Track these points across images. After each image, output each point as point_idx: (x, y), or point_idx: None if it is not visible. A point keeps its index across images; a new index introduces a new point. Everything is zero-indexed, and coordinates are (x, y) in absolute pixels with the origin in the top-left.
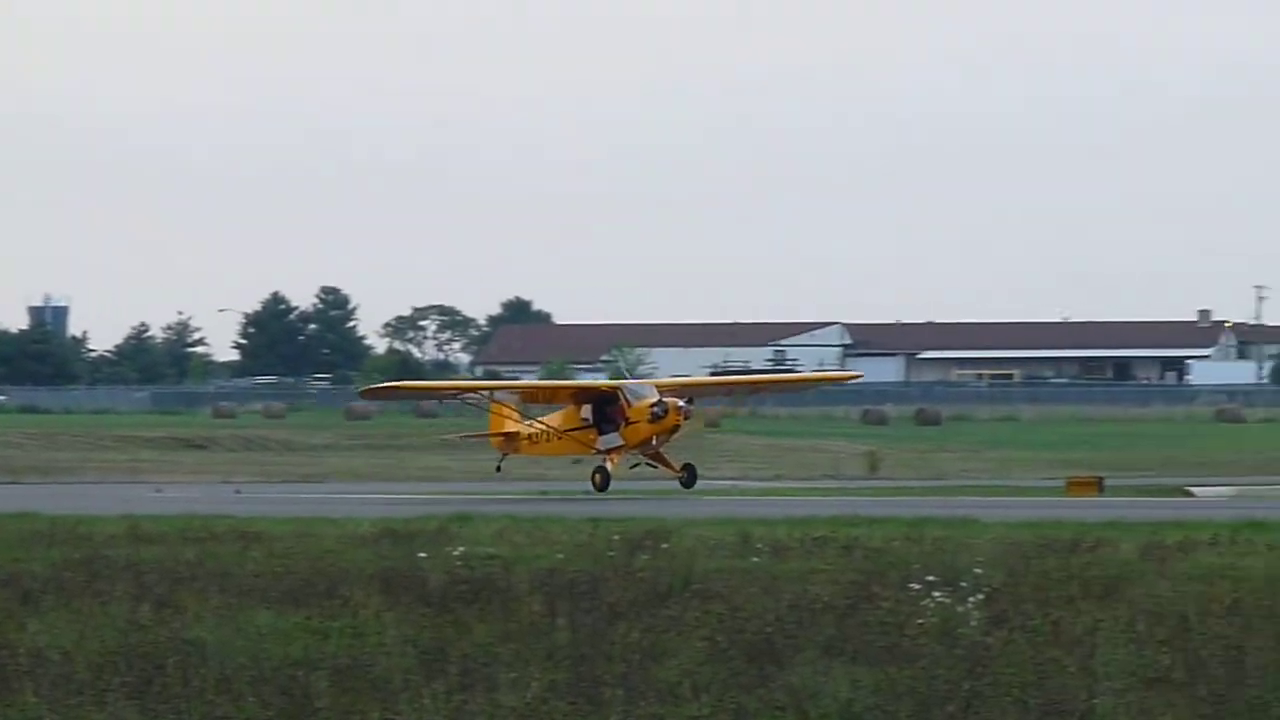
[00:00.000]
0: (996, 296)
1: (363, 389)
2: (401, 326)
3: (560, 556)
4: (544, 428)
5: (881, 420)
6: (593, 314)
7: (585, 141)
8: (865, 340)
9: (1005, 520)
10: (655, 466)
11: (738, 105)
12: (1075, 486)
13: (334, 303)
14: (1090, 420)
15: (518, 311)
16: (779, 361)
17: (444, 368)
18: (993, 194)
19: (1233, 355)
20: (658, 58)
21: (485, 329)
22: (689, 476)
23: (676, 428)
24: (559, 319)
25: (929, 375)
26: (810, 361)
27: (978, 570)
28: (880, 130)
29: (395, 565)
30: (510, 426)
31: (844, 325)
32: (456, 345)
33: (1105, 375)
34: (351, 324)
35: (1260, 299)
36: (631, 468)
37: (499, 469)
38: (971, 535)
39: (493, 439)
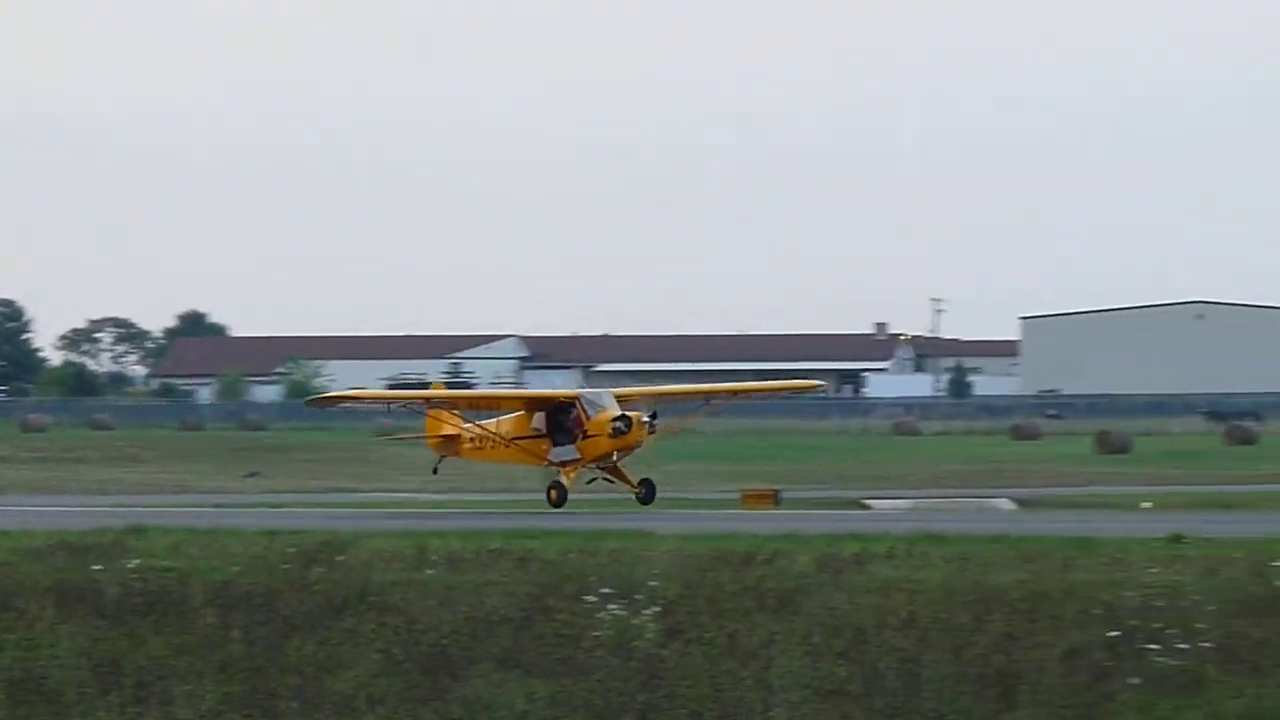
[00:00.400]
0: (675, 310)
1: (309, 399)
2: (77, 339)
3: (235, 569)
4: (489, 433)
5: None
6: (270, 326)
7: (261, 151)
8: (542, 353)
9: (681, 533)
10: (612, 481)
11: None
12: (751, 499)
13: (9, 315)
14: (767, 433)
15: (193, 324)
16: (455, 374)
17: (120, 380)
18: (675, 210)
19: (910, 368)
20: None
21: (161, 341)
22: (647, 493)
23: (639, 443)
24: (235, 331)
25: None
26: (487, 374)
27: (653, 583)
28: (559, 145)
29: (70, 578)
30: (449, 429)
31: (520, 338)
32: (133, 358)
33: None
34: (26, 336)
35: (937, 312)
36: (588, 483)
37: (436, 471)
38: (647, 548)
39: (429, 440)
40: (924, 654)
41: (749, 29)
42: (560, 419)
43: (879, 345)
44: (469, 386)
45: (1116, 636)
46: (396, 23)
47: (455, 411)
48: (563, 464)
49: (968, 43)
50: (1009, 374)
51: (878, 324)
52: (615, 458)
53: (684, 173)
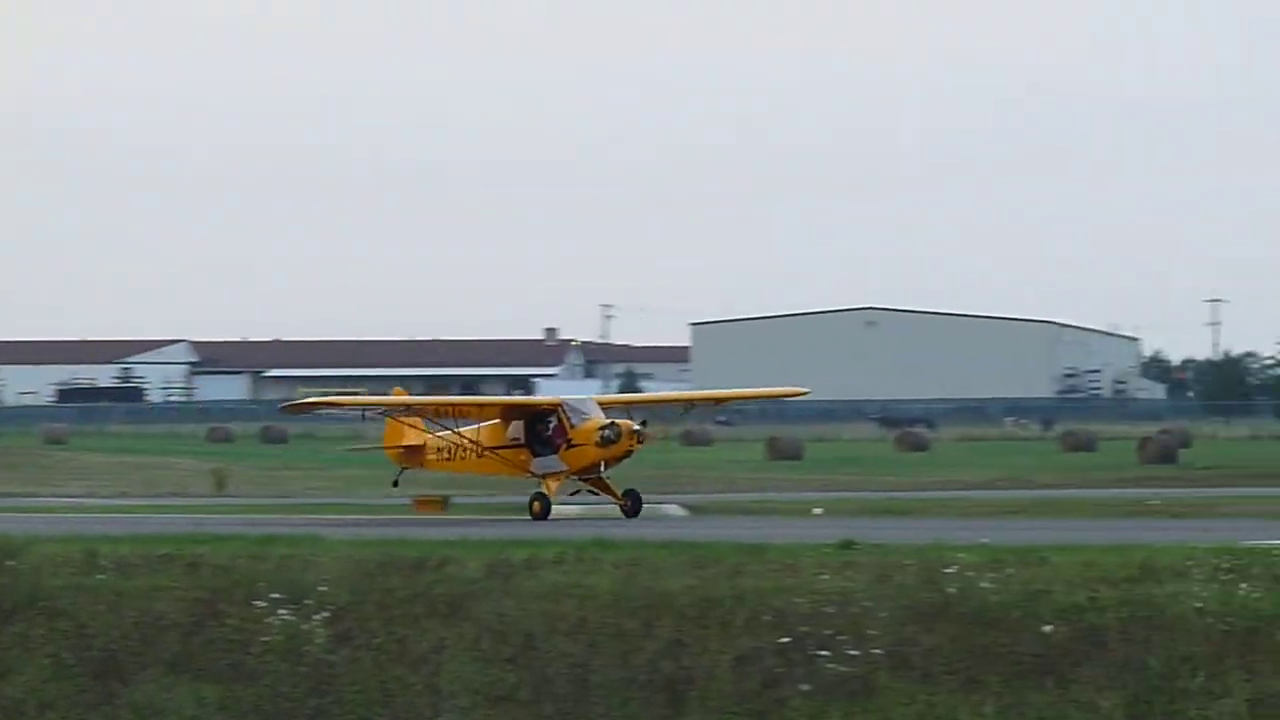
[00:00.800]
0: (344, 315)
1: (283, 405)
2: None
3: None
4: (459, 442)
5: (228, 438)
6: None
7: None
8: (212, 358)
9: (351, 539)
10: (596, 493)
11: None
12: (422, 504)
13: None
14: None
15: None
16: (125, 379)
17: None
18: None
19: (580, 374)
20: None
21: None
22: (632, 505)
23: (629, 453)
24: None
25: (275, 393)
26: (157, 379)
27: (323, 588)
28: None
29: None
30: (411, 438)
31: (190, 343)
32: None
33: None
34: None
35: (607, 318)
36: (571, 494)
37: (396, 484)
38: (317, 553)
39: (389, 451)
40: (593, 659)
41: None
42: (540, 427)
43: (549, 351)
44: (141, 392)
45: (787, 643)
46: None
47: (421, 419)
48: (545, 475)
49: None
50: (680, 380)
51: (548, 330)
52: (603, 468)
53: (340, 175)
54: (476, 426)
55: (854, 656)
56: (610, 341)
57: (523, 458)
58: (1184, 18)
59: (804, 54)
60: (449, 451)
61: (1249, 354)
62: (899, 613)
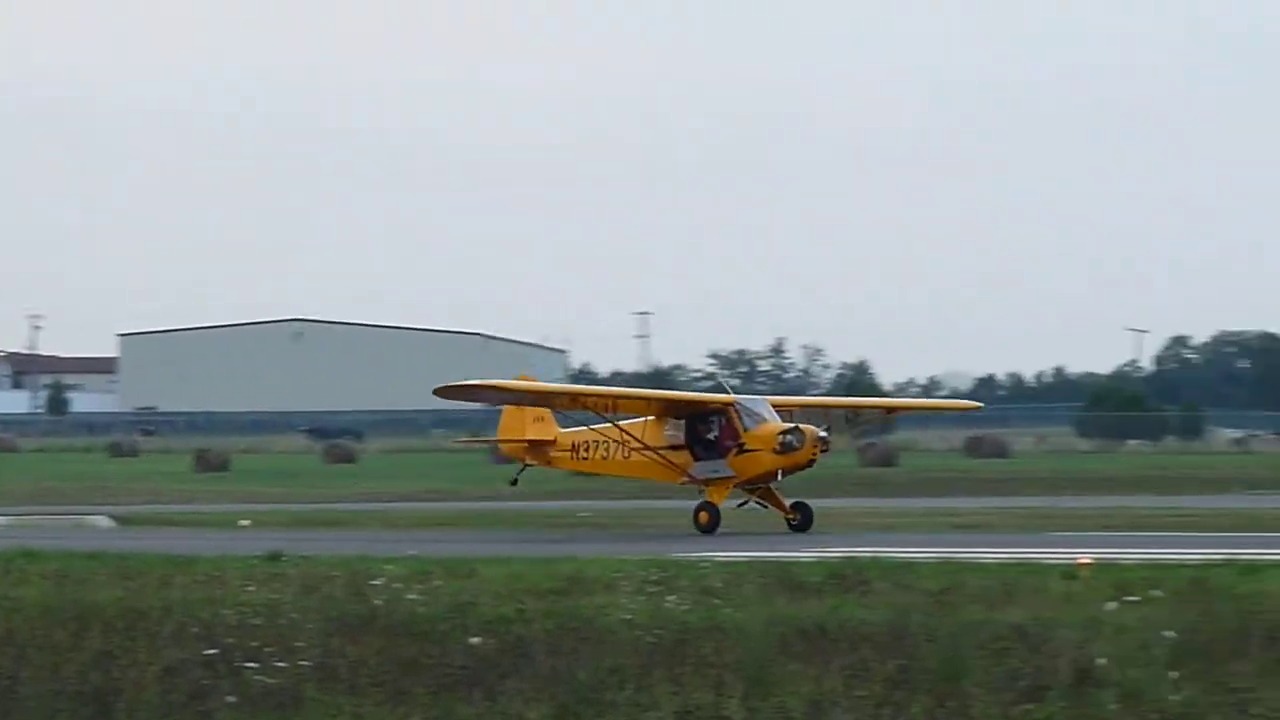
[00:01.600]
0: None
1: (438, 389)
2: None
3: None
4: (607, 439)
5: None
6: None
7: None
8: None
9: None
10: (765, 507)
11: None
12: None
13: None
14: None
15: None
16: None
17: None
18: None
19: (7, 385)
20: None
21: None
22: (803, 518)
23: (811, 463)
24: None
25: None
26: None
27: None
28: None
29: None
30: (535, 431)
31: None
32: None
33: None
34: None
35: (35, 329)
36: (738, 506)
37: (515, 482)
38: None
39: (505, 445)
40: (22, 671)
41: None
42: (701, 427)
43: None
44: None
45: (214, 654)
46: None
47: (549, 411)
48: (708, 482)
49: None
50: (108, 391)
51: None
52: (779, 477)
53: None
54: (629, 422)
55: (281, 669)
56: (38, 352)
57: (681, 460)
58: None
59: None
60: (588, 449)
61: (677, 366)
62: (326, 625)
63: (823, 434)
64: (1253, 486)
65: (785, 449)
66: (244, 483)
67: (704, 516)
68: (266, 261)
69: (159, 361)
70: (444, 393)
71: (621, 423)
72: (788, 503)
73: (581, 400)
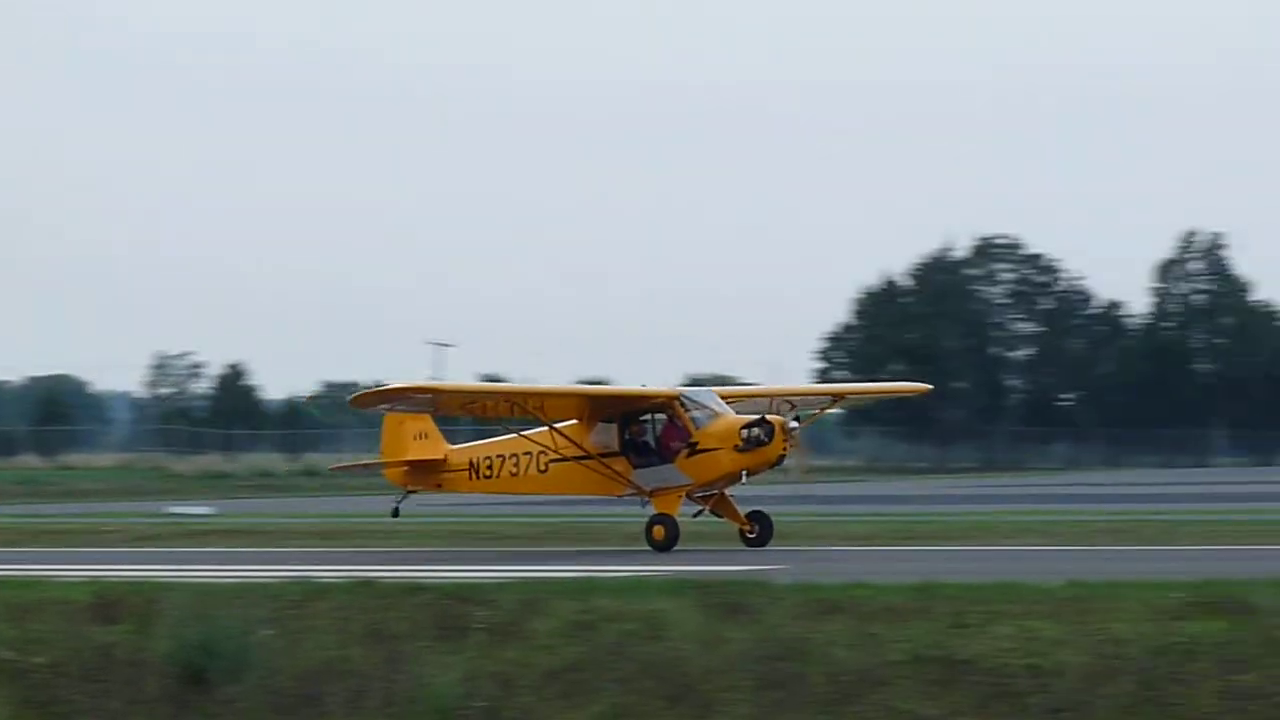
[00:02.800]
0: None
1: (353, 396)
2: None
3: None
4: (511, 452)
5: None
6: None
7: None
8: None
9: None
10: (720, 516)
11: None
12: None
13: None
14: None
15: None
16: None
17: None
18: None
19: None
20: None
21: None
22: (761, 530)
23: (781, 459)
24: None
25: None
26: None
27: None
28: None
29: None
30: (418, 450)
31: None
32: None
33: None
34: None
35: None
36: (694, 517)
37: (396, 513)
38: None
39: (386, 470)
40: None
41: None
42: (634, 428)
43: None
44: None
45: None
46: None
47: (431, 423)
48: (655, 492)
49: None
50: None
51: None
52: (743, 479)
53: None
54: (538, 431)
55: None
56: None
57: (617, 469)
58: None
59: None
60: (491, 466)
61: None
62: None
63: (793, 424)
64: None
65: (751, 445)
66: None
67: (659, 531)
68: None
69: None
70: (360, 401)
71: (526, 432)
72: (742, 511)
73: (516, 402)
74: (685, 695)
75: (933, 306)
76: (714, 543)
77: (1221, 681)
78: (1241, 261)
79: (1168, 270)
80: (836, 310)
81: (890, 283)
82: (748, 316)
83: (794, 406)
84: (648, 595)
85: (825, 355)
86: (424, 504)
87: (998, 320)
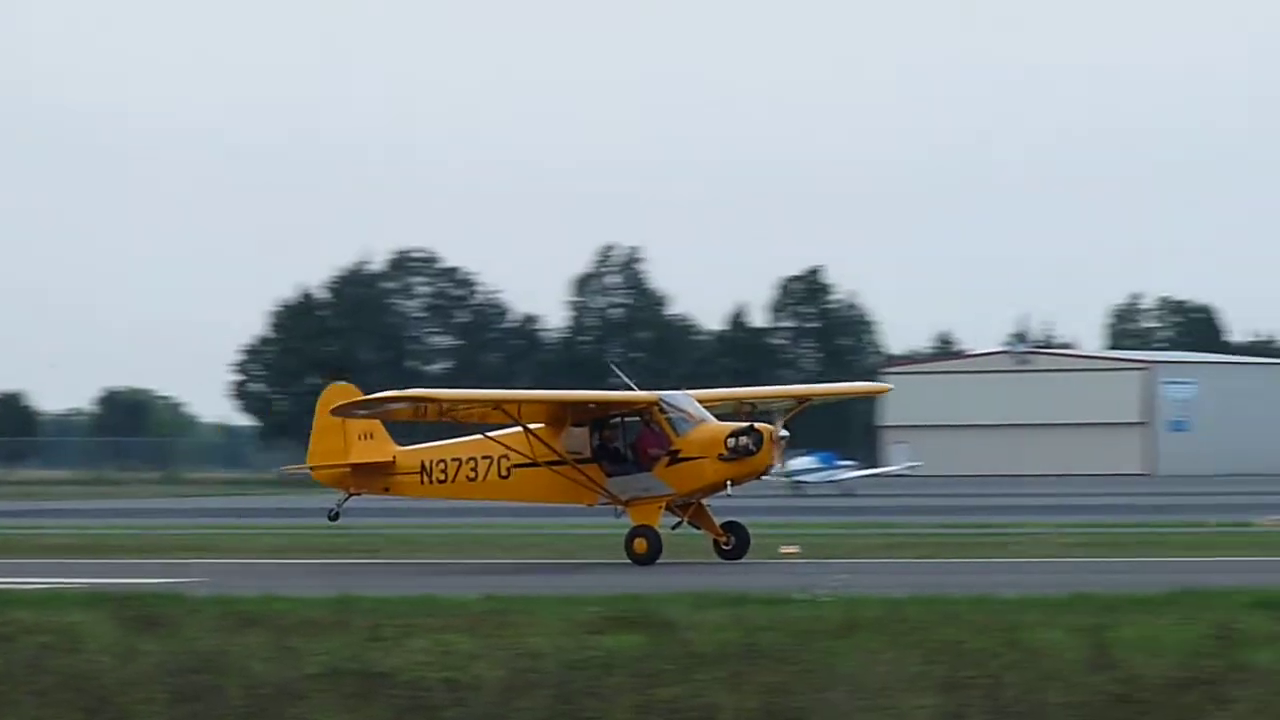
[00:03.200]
0: None
1: (338, 407)
2: None
3: None
4: (469, 455)
5: None
6: None
7: None
8: None
9: None
10: (698, 528)
11: None
12: None
13: None
14: None
15: None
16: None
17: None
18: None
19: None
20: None
21: None
22: (737, 541)
23: (767, 470)
24: None
25: None
26: None
27: None
28: None
29: None
30: (362, 452)
31: None
32: None
33: None
34: None
35: None
36: (672, 529)
37: (335, 516)
38: None
39: (319, 473)
40: None
41: None
42: (608, 433)
43: None
44: None
45: None
46: None
47: (380, 424)
48: (633, 501)
49: None
50: None
51: None
52: (728, 490)
53: None
54: (503, 433)
55: None
56: None
57: (589, 476)
58: None
59: None
60: (445, 469)
61: None
62: None
63: (784, 433)
64: None
65: (738, 454)
66: None
67: (641, 545)
68: None
69: None
70: (343, 411)
71: (487, 434)
72: (717, 521)
73: (500, 406)
74: (101, 708)
75: (350, 320)
76: (690, 556)
77: (639, 695)
78: (657, 276)
79: (585, 284)
80: (254, 324)
81: (307, 296)
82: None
83: (754, 410)
84: (65, 607)
85: (242, 368)
86: None
87: (415, 333)
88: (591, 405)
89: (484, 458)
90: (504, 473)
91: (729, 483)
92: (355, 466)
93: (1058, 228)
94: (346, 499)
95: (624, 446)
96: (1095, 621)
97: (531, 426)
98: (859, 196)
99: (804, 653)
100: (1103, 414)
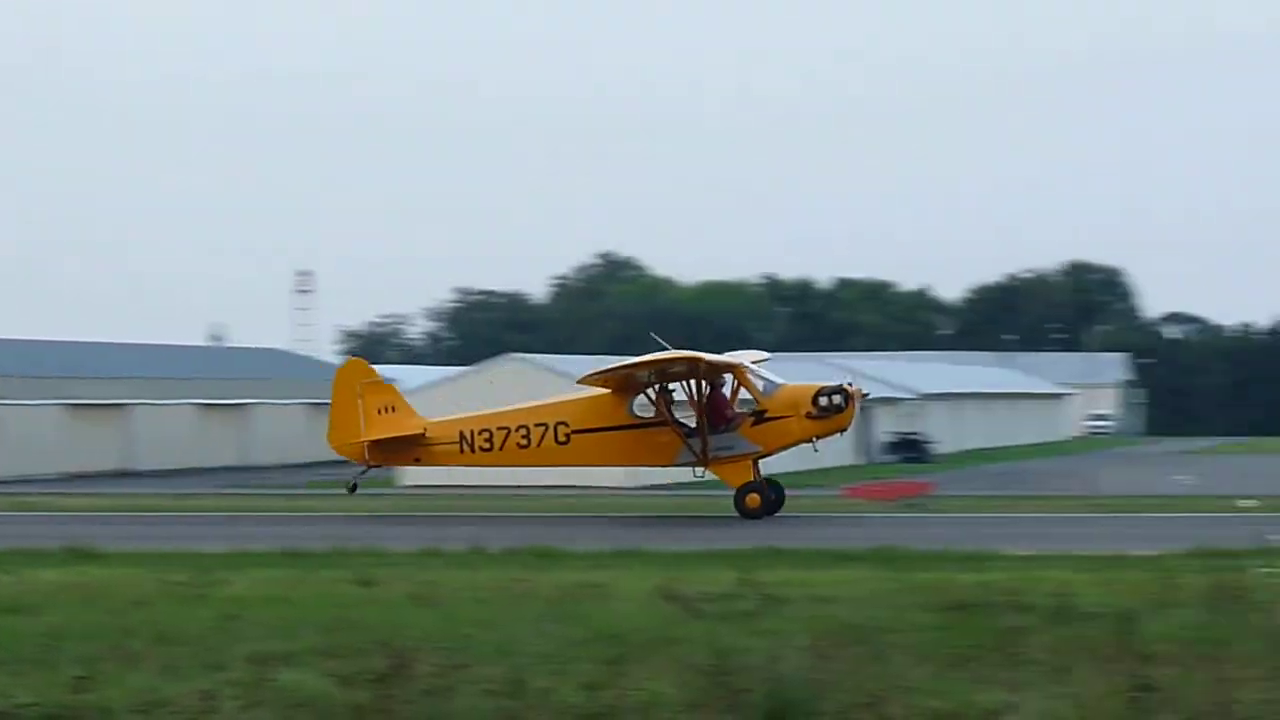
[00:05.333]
0: None
1: (583, 378)
2: None
3: None
4: (521, 424)
5: None
6: None
7: None
8: None
9: None
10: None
11: None
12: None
13: None
14: None
15: None
16: None
17: None
18: None
19: None
20: None
21: None
22: (776, 497)
23: (845, 429)
24: None
25: None
26: None
27: None
28: None
29: None
30: (382, 427)
31: None
32: None
33: None
34: None
35: None
36: (698, 476)
37: (354, 488)
38: None
39: (342, 446)
40: None
41: None
42: (697, 396)
43: None
44: None
45: None
46: None
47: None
48: (716, 460)
49: None
50: None
51: None
52: (815, 446)
53: None
54: (561, 400)
55: None
56: None
57: (664, 439)
58: None
59: None
60: (490, 438)
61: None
62: None
63: (866, 392)
64: None
65: (829, 412)
66: None
67: (754, 500)
68: None
69: None
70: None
71: (535, 403)
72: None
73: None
74: None
75: None
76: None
77: None
78: None
79: None
80: None
81: None
82: None
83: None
84: None
85: None
86: None
87: None
88: (678, 368)
89: (538, 425)
90: (562, 439)
91: (815, 439)
92: (377, 442)
93: None
94: (365, 471)
95: (707, 408)
96: None
97: (571, 397)
98: None
99: None
100: None
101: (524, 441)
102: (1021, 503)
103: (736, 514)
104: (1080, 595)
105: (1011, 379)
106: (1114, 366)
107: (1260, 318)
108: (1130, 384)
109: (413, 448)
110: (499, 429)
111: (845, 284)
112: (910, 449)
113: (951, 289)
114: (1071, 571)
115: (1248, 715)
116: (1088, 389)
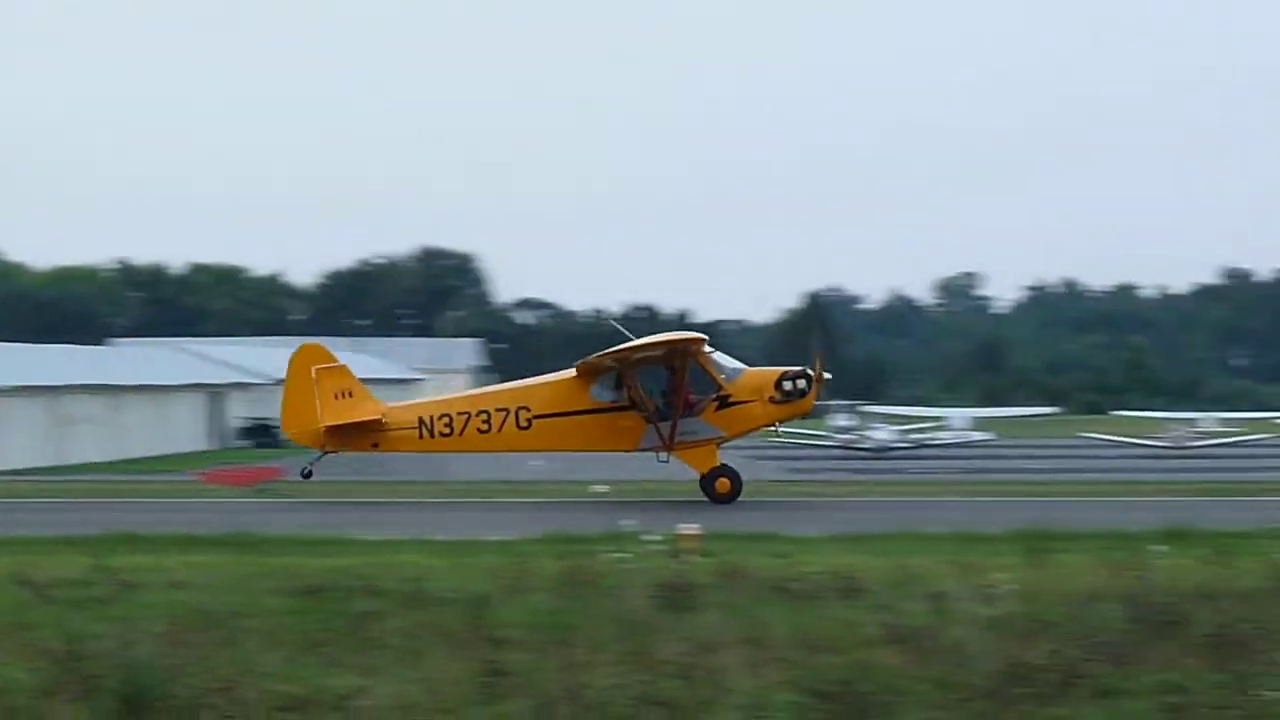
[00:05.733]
0: None
1: (582, 362)
2: None
3: None
4: (480, 409)
5: None
6: None
7: None
8: None
9: None
10: (663, 461)
11: None
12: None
13: None
14: None
15: None
16: None
17: None
18: None
19: None
20: None
21: None
22: (733, 484)
23: (806, 414)
24: None
25: None
26: None
27: None
28: None
29: None
30: (338, 413)
31: None
32: None
33: None
34: None
35: None
36: (663, 462)
37: (308, 473)
38: None
39: (296, 432)
40: None
41: None
42: (614, 382)
43: None
44: None
45: None
46: None
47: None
48: (680, 445)
49: None
50: None
51: None
52: (776, 430)
53: None
54: (520, 385)
55: None
56: None
57: (627, 423)
58: None
59: None
60: (450, 423)
61: None
62: None
63: (827, 375)
64: None
65: (793, 396)
66: None
67: (724, 485)
68: None
69: None
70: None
71: (495, 388)
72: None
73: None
74: None
75: None
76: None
77: None
78: None
79: None
80: None
81: None
82: None
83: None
84: None
85: None
86: None
87: None
88: (638, 355)
89: (499, 410)
90: (523, 424)
91: (777, 423)
92: (334, 428)
93: None
94: (320, 457)
95: (667, 393)
96: None
97: (562, 377)
98: None
99: None
100: None
101: (484, 427)
102: (374, 488)
103: (705, 498)
104: (434, 580)
105: (364, 363)
106: (466, 351)
107: (610, 304)
108: (483, 369)
109: (370, 433)
110: (459, 414)
111: (199, 269)
112: (263, 433)
113: (304, 274)
114: (426, 556)
115: (597, 699)
116: (440, 374)
